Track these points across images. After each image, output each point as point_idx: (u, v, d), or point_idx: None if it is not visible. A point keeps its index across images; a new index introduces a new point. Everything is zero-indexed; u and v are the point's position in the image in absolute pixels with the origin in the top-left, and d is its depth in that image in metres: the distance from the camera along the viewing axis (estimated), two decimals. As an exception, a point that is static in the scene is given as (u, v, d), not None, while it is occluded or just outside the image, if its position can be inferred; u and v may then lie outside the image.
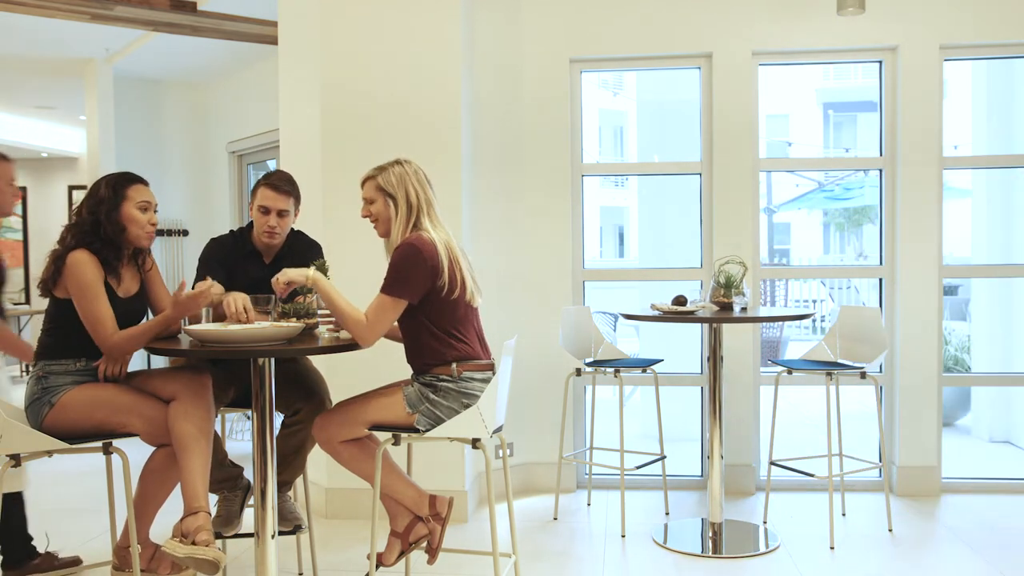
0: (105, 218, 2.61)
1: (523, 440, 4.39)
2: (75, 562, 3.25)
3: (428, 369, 2.61)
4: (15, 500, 3.12)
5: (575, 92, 4.46)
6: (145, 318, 2.78)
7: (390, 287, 2.51)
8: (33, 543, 3.23)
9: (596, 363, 3.98)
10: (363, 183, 2.71)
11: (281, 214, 2.97)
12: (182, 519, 2.43)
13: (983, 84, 5.71)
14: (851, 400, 5.75)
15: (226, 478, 2.98)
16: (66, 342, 2.61)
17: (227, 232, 3.14)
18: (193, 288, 2.60)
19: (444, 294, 2.56)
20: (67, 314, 2.60)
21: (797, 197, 14.72)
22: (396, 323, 2.69)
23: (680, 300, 3.57)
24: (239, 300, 2.56)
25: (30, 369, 2.68)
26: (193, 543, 2.36)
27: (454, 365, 2.59)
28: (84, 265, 2.55)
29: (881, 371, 4.33)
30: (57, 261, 2.60)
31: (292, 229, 3.12)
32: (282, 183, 2.98)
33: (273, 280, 2.54)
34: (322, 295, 2.53)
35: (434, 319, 2.59)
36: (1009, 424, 5.47)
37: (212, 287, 2.57)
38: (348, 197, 3.89)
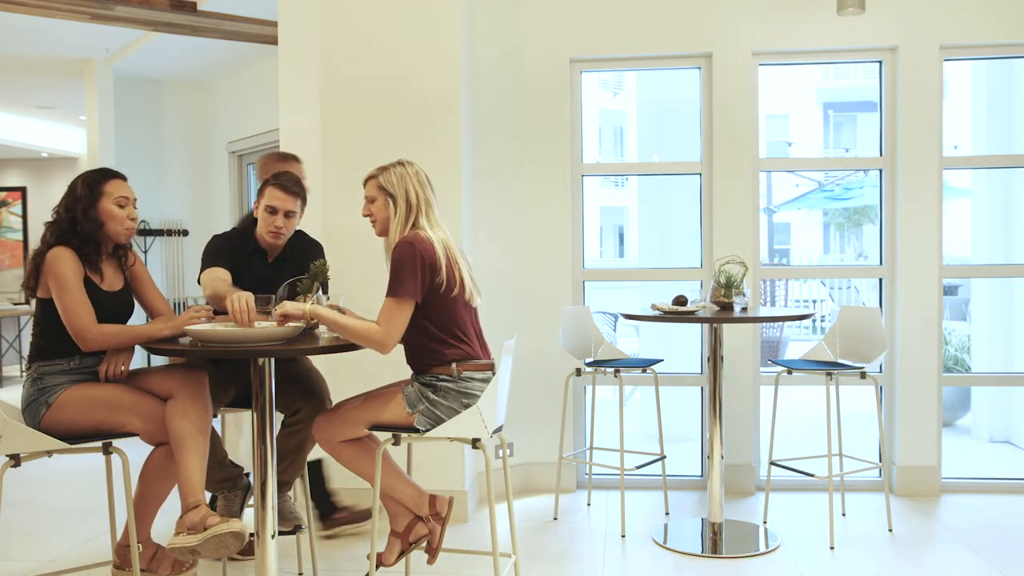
0: (82, 215, 2.60)
1: (523, 440, 4.39)
2: (365, 516, 3.64)
3: (428, 369, 2.61)
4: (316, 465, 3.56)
5: (575, 92, 4.46)
6: (133, 313, 2.77)
7: (395, 289, 2.52)
8: (335, 499, 3.68)
9: (596, 363, 3.98)
10: (365, 182, 2.73)
11: (288, 215, 2.97)
12: (182, 515, 2.42)
13: (983, 84, 5.71)
14: (851, 400, 5.74)
15: (226, 478, 2.98)
16: (57, 342, 2.60)
17: (232, 228, 3.14)
18: (199, 280, 2.58)
19: (443, 292, 2.57)
20: (54, 314, 2.59)
21: (797, 197, 14.72)
22: None
23: (680, 300, 3.57)
24: (242, 298, 2.53)
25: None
26: (205, 529, 2.34)
27: (454, 365, 2.59)
28: (62, 260, 2.55)
29: (881, 371, 4.33)
30: (36, 259, 2.60)
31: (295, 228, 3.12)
32: (291, 184, 2.99)
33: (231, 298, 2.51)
34: (325, 323, 2.51)
35: (433, 318, 2.59)
36: (1009, 424, 5.47)
37: (204, 312, 2.58)
38: (348, 197, 3.89)
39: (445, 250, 2.59)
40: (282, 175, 3.02)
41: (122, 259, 2.77)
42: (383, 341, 2.49)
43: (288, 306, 2.49)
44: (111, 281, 2.71)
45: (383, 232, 2.71)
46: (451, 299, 2.60)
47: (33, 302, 2.68)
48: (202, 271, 2.96)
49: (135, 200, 2.72)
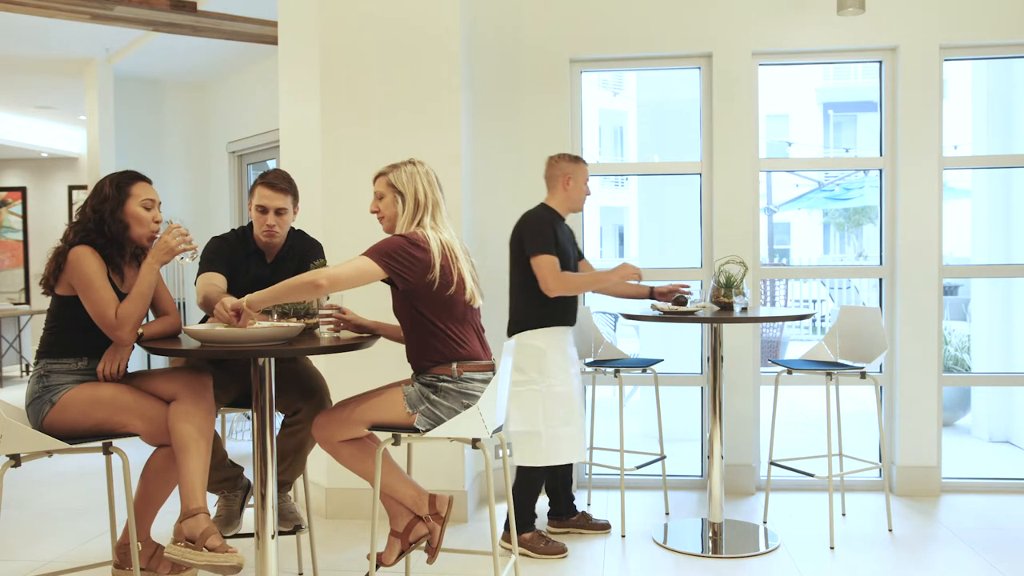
0: (109, 216, 2.62)
1: (523, 440, 4.38)
2: (606, 526, 3.74)
3: (428, 369, 2.62)
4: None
5: (575, 92, 4.46)
6: (147, 317, 2.78)
7: (368, 250, 2.53)
8: (575, 502, 3.79)
9: (596, 363, 3.98)
10: (375, 178, 2.75)
11: (279, 212, 2.97)
12: (181, 521, 2.42)
13: (983, 84, 5.71)
14: (851, 400, 5.75)
15: (226, 478, 2.98)
16: (69, 341, 2.61)
17: (230, 230, 3.14)
18: (197, 281, 2.60)
19: (437, 289, 2.57)
20: (69, 312, 2.60)
21: (797, 197, 14.73)
22: (398, 322, 2.69)
23: (680, 300, 3.56)
24: (226, 304, 2.45)
25: (31, 368, 2.69)
26: (207, 549, 2.34)
27: (454, 365, 2.59)
28: (86, 258, 2.56)
29: (881, 371, 4.33)
30: (59, 257, 2.61)
31: (293, 228, 3.12)
32: (279, 181, 2.98)
33: (218, 307, 2.47)
34: (271, 301, 2.47)
35: (433, 317, 2.59)
36: (1009, 424, 5.47)
37: (178, 230, 2.59)
38: (347, 197, 3.89)
39: (444, 249, 2.59)
40: (269, 173, 3.03)
41: (141, 260, 2.77)
42: (315, 279, 2.42)
43: (228, 302, 2.44)
44: (131, 282, 2.71)
45: (390, 229, 2.72)
46: (448, 298, 2.60)
47: (34, 300, 2.68)
48: (199, 275, 2.95)
49: (159, 204, 2.74)
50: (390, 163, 2.74)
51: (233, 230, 3.13)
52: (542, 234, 3.42)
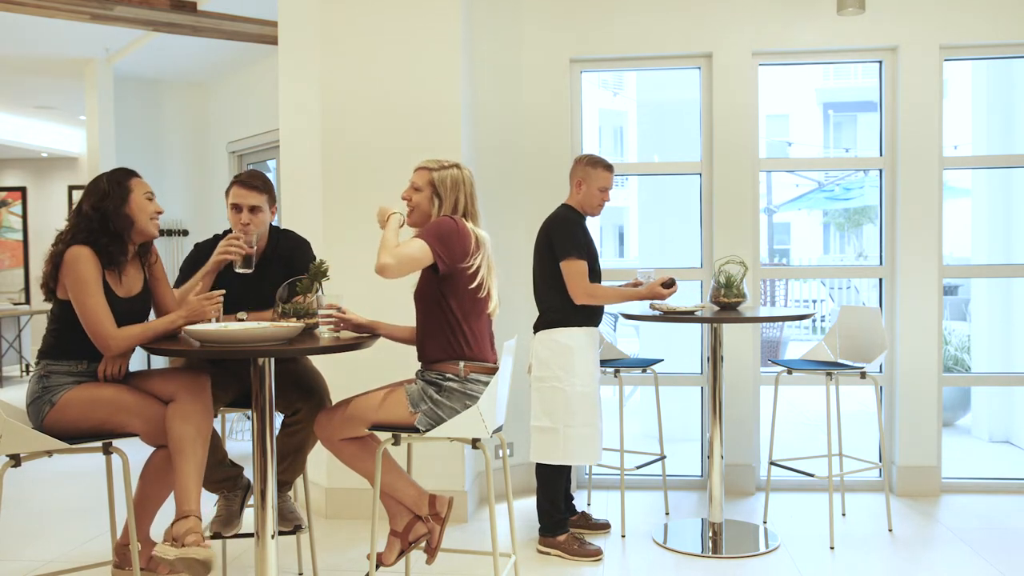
0: (114, 213, 2.60)
1: (523, 440, 4.38)
2: (606, 526, 3.75)
3: (435, 364, 2.62)
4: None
5: (575, 92, 4.46)
6: (147, 319, 2.77)
7: (422, 233, 2.57)
8: (575, 502, 3.81)
9: (596, 363, 3.97)
10: (417, 169, 2.76)
11: (253, 210, 2.95)
12: (173, 523, 2.42)
13: (983, 84, 5.71)
14: (851, 400, 5.75)
15: (226, 478, 2.98)
16: (69, 344, 2.60)
17: (212, 236, 3.11)
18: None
19: (466, 280, 2.60)
20: (71, 316, 2.57)
21: (797, 197, 14.73)
22: (415, 307, 2.71)
23: (668, 283, 3.43)
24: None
25: (31, 368, 2.68)
26: (183, 546, 2.35)
27: (462, 364, 2.60)
28: (81, 260, 2.53)
29: (881, 371, 4.33)
30: (55, 258, 2.59)
31: (278, 228, 3.11)
32: (252, 179, 2.98)
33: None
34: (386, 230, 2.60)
35: (456, 309, 2.61)
36: (1009, 424, 5.47)
37: (221, 294, 2.60)
38: (348, 197, 3.90)
39: (481, 245, 2.65)
40: (244, 172, 3.03)
41: (143, 258, 2.76)
42: (385, 261, 2.49)
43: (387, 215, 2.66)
44: (130, 284, 2.69)
45: (414, 223, 2.74)
46: (473, 291, 2.62)
47: (34, 300, 2.68)
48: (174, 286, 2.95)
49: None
50: (436, 158, 2.76)
51: (216, 235, 3.10)
52: (570, 237, 3.43)
